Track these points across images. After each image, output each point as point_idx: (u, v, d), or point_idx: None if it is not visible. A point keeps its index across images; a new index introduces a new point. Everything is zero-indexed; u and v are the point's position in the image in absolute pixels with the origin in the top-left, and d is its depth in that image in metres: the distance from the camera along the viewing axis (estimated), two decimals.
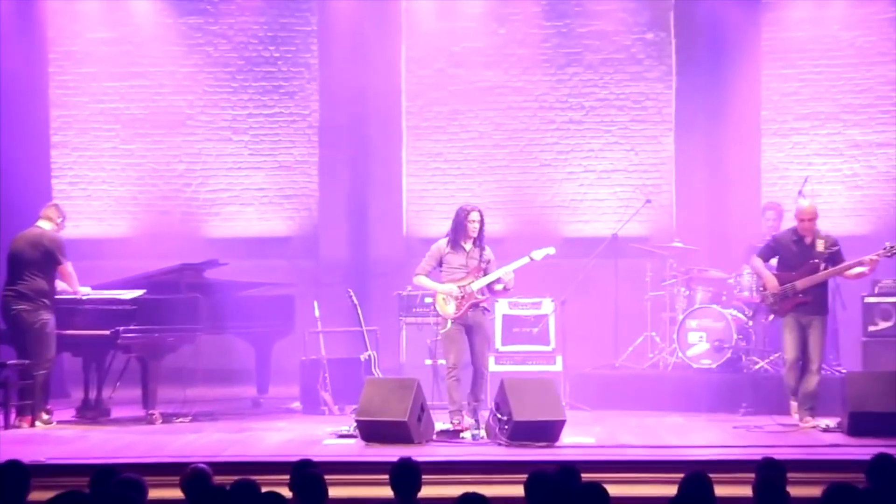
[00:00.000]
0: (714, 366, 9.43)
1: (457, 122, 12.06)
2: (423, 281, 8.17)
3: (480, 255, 8.06)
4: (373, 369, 9.24)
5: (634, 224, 10.91)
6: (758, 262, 8.55)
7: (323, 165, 12.04)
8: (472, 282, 8.02)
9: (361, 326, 9.34)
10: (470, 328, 8.03)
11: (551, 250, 8.22)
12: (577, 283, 9.76)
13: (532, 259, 8.15)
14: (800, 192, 9.79)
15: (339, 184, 11.95)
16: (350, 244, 11.89)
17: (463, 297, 7.97)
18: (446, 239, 8.13)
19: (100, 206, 12.06)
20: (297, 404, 9.52)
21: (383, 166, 11.96)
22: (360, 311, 9.32)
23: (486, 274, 8.06)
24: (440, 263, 8.12)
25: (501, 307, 9.79)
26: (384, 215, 11.92)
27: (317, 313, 9.47)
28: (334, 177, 11.96)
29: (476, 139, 12.04)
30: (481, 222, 8.06)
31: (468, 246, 8.09)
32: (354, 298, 9.35)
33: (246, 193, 12.15)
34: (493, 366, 9.02)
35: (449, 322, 7.99)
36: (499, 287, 8.09)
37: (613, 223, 10.92)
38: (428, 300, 9.41)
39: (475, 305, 8.00)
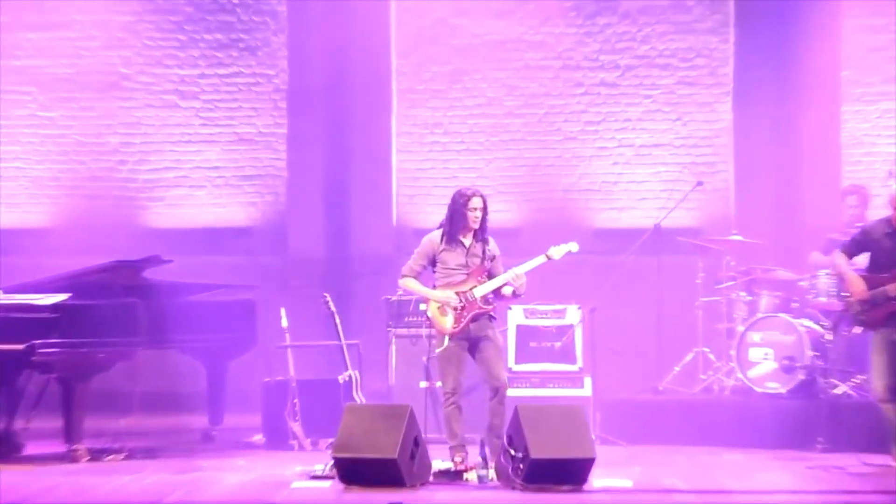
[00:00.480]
0: (783, 390, 9.35)
1: (460, 86, 11.98)
2: (410, 284, 8.05)
3: (483, 252, 7.94)
4: (354, 394, 9.17)
5: (682, 212, 10.82)
6: (841, 260, 8.40)
7: (293, 139, 11.97)
8: (475, 287, 7.90)
9: (340, 340, 9.27)
10: (475, 342, 7.90)
11: (573, 247, 8.11)
12: (611, 285, 9.67)
13: (549, 258, 8.02)
14: (890, 173, 9.72)
15: (313, 162, 11.89)
16: (326, 237, 11.84)
17: (463, 306, 7.85)
18: (440, 231, 8.01)
19: (13, 189, 12.00)
20: (259, 437, 9.45)
21: (368, 140, 11.89)
22: (338, 321, 9.25)
23: (490, 276, 7.95)
24: (433, 262, 8.01)
25: (516, 316, 9.70)
26: (369, 201, 11.87)
27: (284, 323, 9.39)
28: (307, 153, 11.90)
29: (484, 106, 11.98)
30: (484, 210, 7.91)
31: (468, 240, 7.96)
32: (332, 304, 9.27)
33: (196, 173, 12.09)
34: None
35: (446, 339, 7.89)
36: (507, 291, 7.98)
37: (656, 211, 10.84)
38: (424, 307, 9.31)
39: (479, 316, 7.89)
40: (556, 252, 8.03)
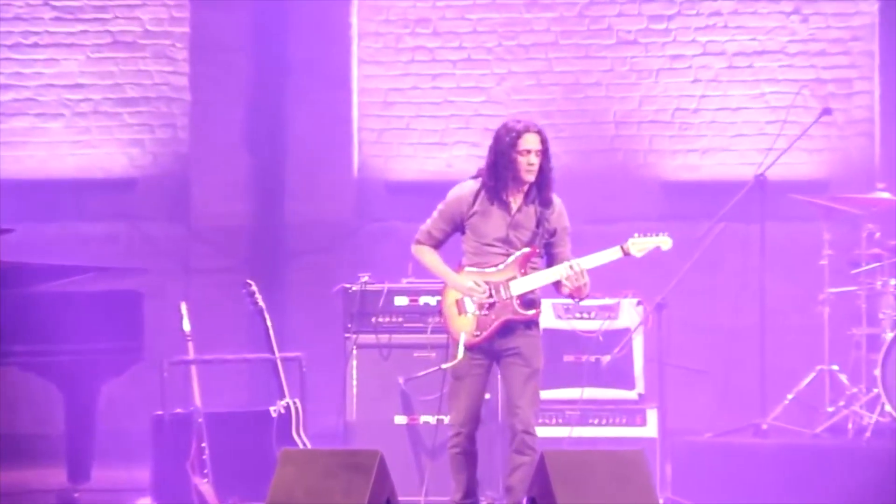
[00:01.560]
0: None
1: None
2: (426, 256, 8.00)
3: (539, 221, 7.94)
4: (294, 434, 9.20)
5: (800, 156, 10.84)
6: None
7: (198, 42, 12.03)
8: (514, 278, 7.91)
9: (273, 351, 9.28)
10: (500, 356, 7.96)
11: (664, 243, 8.01)
12: (688, 269, 9.72)
13: (627, 254, 7.99)
14: None
15: (231, 78, 11.93)
16: (250, 193, 11.92)
17: (491, 304, 7.87)
18: (476, 184, 8.01)
19: None
20: (146, 502, 9.48)
21: (315, 45, 11.93)
22: (269, 323, 9.28)
23: (550, 260, 7.93)
24: (461, 228, 8.04)
25: (542, 314, 9.51)
26: (316, 139, 11.93)
27: (187, 326, 9.40)
28: (221, 65, 11.93)
29: None
30: (544, 153, 7.90)
31: (516, 201, 7.96)
32: (259, 298, 9.30)
33: (48, 95, 12.15)
34: None
35: (461, 349, 7.90)
36: (566, 288, 7.99)
37: (758, 154, 10.81)
38: (402, 301, 9.36)
39: (512, 324, 7.95)
40: (638, 246, 7.95)
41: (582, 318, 9.74)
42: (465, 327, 7.85)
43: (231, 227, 11.81)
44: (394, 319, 9.49)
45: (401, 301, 9.41)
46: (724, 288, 10.48)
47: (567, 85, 11.95)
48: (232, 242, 11.70)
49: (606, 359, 9.63)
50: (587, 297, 7.99)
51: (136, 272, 10.11)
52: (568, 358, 9.71)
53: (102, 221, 11.67)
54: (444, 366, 8.02)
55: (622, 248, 7.90)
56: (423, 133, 11.78)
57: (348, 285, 9.66)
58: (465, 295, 7.85)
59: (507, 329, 7.87)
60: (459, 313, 7.86)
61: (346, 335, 9.64)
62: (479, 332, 7.83)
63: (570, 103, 11.97)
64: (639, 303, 9.70)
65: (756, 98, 11.84)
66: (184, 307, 9.43)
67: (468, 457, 7.92)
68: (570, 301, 9.19)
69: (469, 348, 7.82)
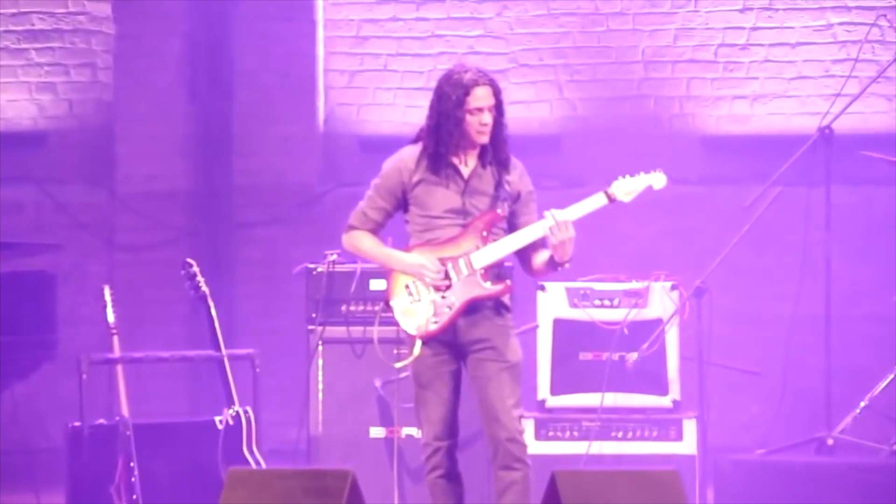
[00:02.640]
0: None
1: None
2: (363, 243, 8.07)
3: (498, 185, 8.07)
4: (245, 450, 9.26)
5: (875, 103, 10.88)
6: None
7: None
8: (474, 250, 7.99)
9: (219, 348, 9.34)
10: (466, 352, 8.05)
11: (657, 180, 8.10)
12: (735, 245, 9.78)
13: (612, 199, 8.07)
14: None
15: (163, 5, 11.95)
16: (190, 151, 11.95)
17: (448, 284, 7.93)
18: (417, 149, 8.09)
19: None
20: None
21: None
22: (214, 313, 9.35)
23: (511, 229, 8.10)
24: (403, 206, 8.11)
25: (552, 302, 9.78)
26: (271, 84, 11.99)
27: (111, 316, 9.43)
28: None
29: None
30: (498, 108, 8.03)
31: (469, 165, 8.04)
32: (201, 280, 9.37)
33: None
34: (530, 443, 8.97)
35: (417, 344, 7.95)
36: (540, 258, 8.10)
37: (822, 102, 10.88)
38: (379, 285, 9.37)
39: (477, 303, 8.08)
40: (624, 189, 8.06)
41: (603, 306, 9.78)
42: (418, 316, 7.91)
43: (166, 193, 11.83)
44: (369, 308, 9.55)
45: (377, 285, 9.43)
46: (781, 268, 10.50)
47: (584, 15, 11.95)
48: (167, 212, 11.72)
49: (633, 357, 9.66)
50: (572, 259, 7.98)
51: (48, 248, 10.15)
52: (585, 356, 9.79)
53: (4, 185, 11.66)
54: (396, 364, 8.09)
55: (606, 193, 7.98)
56: (406, 76, 11.79)
57: (312, 265, 9.73)
58: (415, 276, 7.92)
59: (471, 313, 7.93)
60: (411, 302, 7.92)
61: (310, 327, 9.71)
62: (436, 320, 7.88)
63: (587, 38, 11.97)
64: (673, 287, 9.76)
65: (821, 31, 11.83)
66: (107, 292, 9.47)
67: (451, 481, 7.98)
68: (570, 282, 9.34)
69: (427, 341, 7.89)
